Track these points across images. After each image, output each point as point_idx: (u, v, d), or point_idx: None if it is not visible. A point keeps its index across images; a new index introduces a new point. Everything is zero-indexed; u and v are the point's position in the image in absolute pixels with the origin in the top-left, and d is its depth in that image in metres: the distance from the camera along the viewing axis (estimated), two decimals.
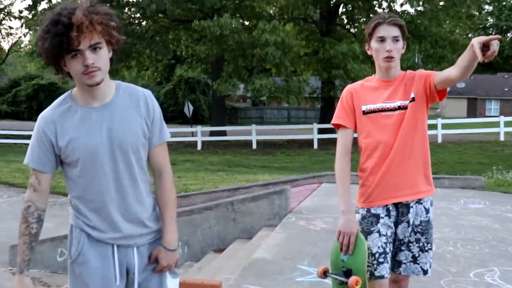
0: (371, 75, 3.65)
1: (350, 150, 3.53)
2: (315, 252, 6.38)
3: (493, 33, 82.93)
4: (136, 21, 33.22)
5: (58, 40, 2.51)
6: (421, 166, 3.48)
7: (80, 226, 2.79)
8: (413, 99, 3.44)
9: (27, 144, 2.86)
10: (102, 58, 2.62)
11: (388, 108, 3.44)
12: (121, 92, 2.79)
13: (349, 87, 3.62)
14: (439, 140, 28.96)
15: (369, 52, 3.55)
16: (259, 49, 26.13)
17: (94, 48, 2.57)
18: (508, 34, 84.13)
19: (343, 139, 3.53)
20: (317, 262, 5.88)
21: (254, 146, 30.74)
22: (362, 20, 34.79)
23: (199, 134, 31.45)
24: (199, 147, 30.82)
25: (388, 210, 3.45)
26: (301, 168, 21.68)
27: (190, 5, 29.50)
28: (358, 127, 3.52)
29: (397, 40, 3.41)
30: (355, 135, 3.54)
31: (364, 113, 3.47)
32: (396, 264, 3.52)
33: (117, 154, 2.72)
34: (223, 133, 33.77)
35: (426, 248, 3.50)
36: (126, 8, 31.43)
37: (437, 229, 7.45)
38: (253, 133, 31.35)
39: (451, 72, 3.26)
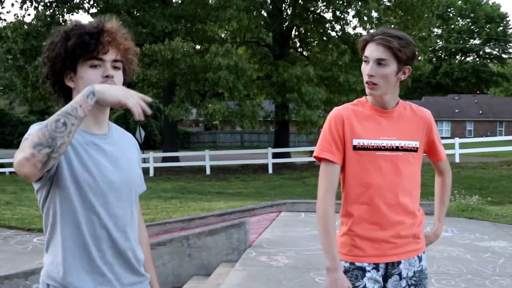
0: (362, 97, 3.02)
1: (336, 189, 2.91)
2: None
3: (443, 56, 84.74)
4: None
5: (87, 39, 2.22)
6: (416, 220, 2.98)
7: (59, 281, 2.27)
8: (416, 149, 2.97)
9: None
10: (120, 78, 2.33)
11: (385, 146, 2.88)
12: (113, 127, 2.42)
13: (339, 112, 2.93)
14: None
15: None
16: (211, 73, 25.68)
17: (115, 66, 2.30)
18: (457, 57, 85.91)
19: (328, 176, 2.89)
20: None
21: (208, 171, 30.18)
22: (315, 43, 34.75)
23: (151, 160, 30.70)
24: (151, 173, 30.06)
25: (376, 263, 2.90)
26: (257, 194, 21.21)
27: (140, 29, 28.99)
28: (345, 163, 2.91)
29: (382, 64, 2.81)
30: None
31: (355, 148, 2.86)
32: None
33: (123, 189, 2.37)
34: (176, 159, 33.15)
35: None
36: None
37: None
38: (207, 158, 30.79)
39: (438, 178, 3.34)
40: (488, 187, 21.42)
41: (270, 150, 30.56)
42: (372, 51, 2.82)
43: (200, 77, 27.34)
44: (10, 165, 30.72)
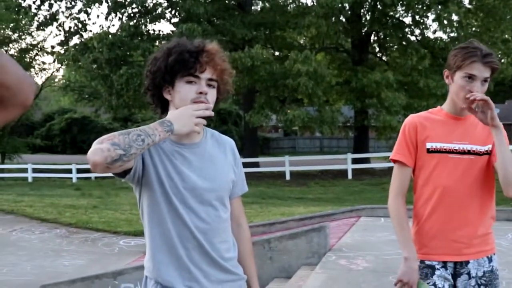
0: (436, 107, 3.24)
1: (406, 190, 3.14)
2: None
3: None
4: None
5: (186, 57, 2.47)
6: (486, 222, 3.12)
7: (153, 277, 2.59)
8: (489, 152, 3.11)
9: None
10: (213, 96, 2.56)
11: (457, 150, 3.07)
12: (208, 135, 2.65)
13: (413, 118, 3.18)
14: None
15: (447, 81, 3.13)
16: (291, 79, 25.89)
17: (209, 84, 2.53)
18: None
19: (401, 177, 3.15)
20: None
21: (288, 177, 30.36)
22: (394, 47, 34.50)
23: None
24: None
25: (444, 262, 3.08)
26: (336, 199, 21.27)
27: (220, 37, 29.48)
28: (418, 164, 3.15)
29: (485, 82, 3.01)
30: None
31: (429, 151, 3.09)
32: None
33: (205, 196, 2.58)
34: (256, 165, 33.43)
35: None
36: (157, 41, 31.51)
37: None
38: (286, 164, 30.97)
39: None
40: None
41: (350, 156, 30.50)
42: (480, 71, 2.97)
43: (280, 84, 27.58)
44: None
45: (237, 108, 52.77)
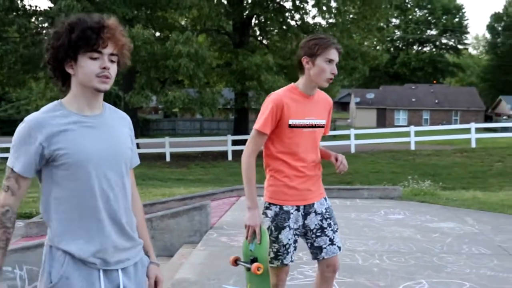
0: (292, 84, 3.99)
1: (258, 151, 3.94)
2: (240, 269, 6.14)
3: (400, 46, 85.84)
4: (44, 31, 32.20)
5: (89, 34, 2.51)
6: (320, 173, 4.08)
7: (61, 247, 2.56)
8: (324, 126, 4.03)
9: None
10: (114, 70, 2.64)
11: (308, 125, 3.90)
12: (107, 108, 2.74)
13: (280, 97, 3.86)
14: (352, 150, 29.39)
15: (307, 66, 3.84)
16: (172, 60, 25.78)
17: (111, 59, 2.60)
18: (414, 47, 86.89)
19: (258, 142, 3.91)
20: (243, 281, 5.63)
21: (168, 158, 30.36)
22: (274, 31, 35.03)
23: None
24: None
25: (298, 206, 3.94)
26: (217, 180, 21.49)
27: (100, 15, 28.82)
28: (277, 135, 3.87)
29: (337, 65, 3.89)
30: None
31: (290, 126, 3.84)
32: (317, 252, 4.00)
33: (112, 163, 2.65)
34: (136, 146, 33.03)
35: (335, 229, 4.07)
36: (34, 17, 30.45)
37: (361, 242, 7.45)
38: (167, 146, 30.95)
39: None
40: (441, 174, 22.04)
41: (230, 138, 30.85)
42: (336, 56, 3.85)
43: (161, 65, 27.37)
44: None
45: (117, 88, 51.83)
